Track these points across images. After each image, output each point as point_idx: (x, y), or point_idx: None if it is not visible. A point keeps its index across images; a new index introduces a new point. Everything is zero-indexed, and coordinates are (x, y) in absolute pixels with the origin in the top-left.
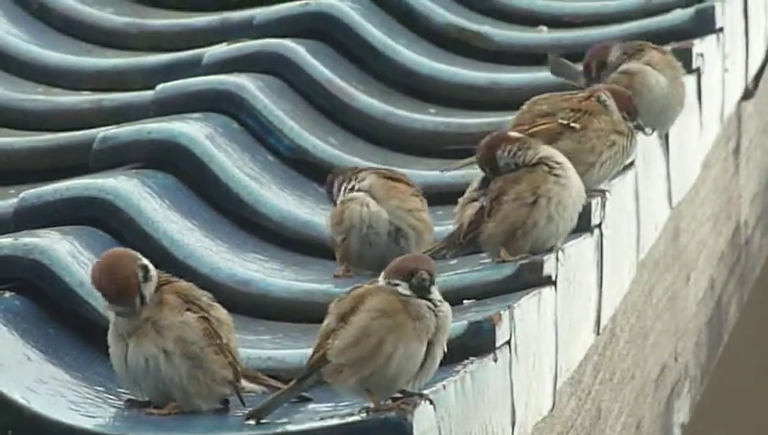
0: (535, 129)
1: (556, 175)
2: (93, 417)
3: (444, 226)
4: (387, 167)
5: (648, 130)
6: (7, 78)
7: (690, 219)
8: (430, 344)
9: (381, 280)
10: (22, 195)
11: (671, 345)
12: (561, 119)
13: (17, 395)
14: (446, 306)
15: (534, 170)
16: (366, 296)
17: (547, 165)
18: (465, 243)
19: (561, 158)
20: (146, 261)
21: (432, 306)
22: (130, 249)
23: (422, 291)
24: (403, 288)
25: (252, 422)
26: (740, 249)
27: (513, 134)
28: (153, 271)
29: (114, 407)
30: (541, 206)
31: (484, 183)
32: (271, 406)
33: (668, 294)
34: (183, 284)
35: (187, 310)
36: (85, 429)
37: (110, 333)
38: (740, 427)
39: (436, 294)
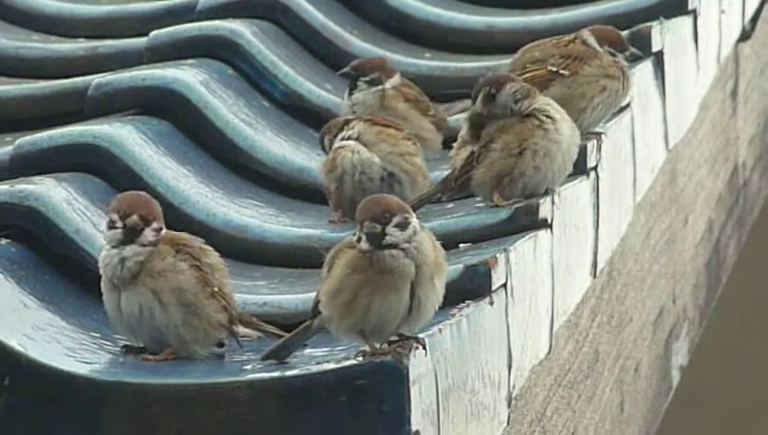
0: (526, 75)
1: (545, 129)
2: (90, 363)
3: (440, 170)
4: (377, 114)
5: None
6: (2, 26)
7: (688, 161)
8: (413, 289)
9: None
10: (17, 142)
11: (669, 288)
12: (551, 65)
13: (14, 342)
14: (421, 238)
15: (524, 121)
16: (339, 252)
17: (537, 118)
18: (458, 187)
19: (554, 111)
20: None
21: (399, 253)
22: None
23: (374, 244)
24: (363, 242)
25: (264, 363)
26: (738, 191)
27: (515, 79)
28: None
29: (110, 353)
30: (526, 157)
31: (475, 127)
32: (284, 348)
33: (666, 237)
34: (174, 233)
35: (180, 260)
36: (82, 374)
37: (102, 281)
38: (738, 368)
39: (397, 235)
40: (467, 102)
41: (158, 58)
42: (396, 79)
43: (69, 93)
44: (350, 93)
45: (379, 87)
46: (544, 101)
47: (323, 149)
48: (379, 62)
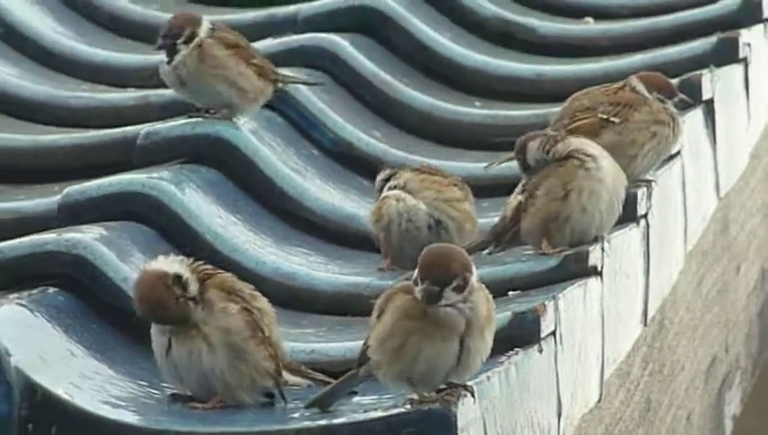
0: (576, 123)
1: (586, 168)
2: (137, 412)
3: (491, 217)
4: (425, 162)
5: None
6: (53, 76)
7: (740, 210)
8: (462, 340)
9: (414, 276)
10: (65, 191)
11: (721, 337)
12: (602, 113)
13: (61, 391)
14: (476, 297)
15: (564, 164)
16: (392, 296)
17: (577, 158)
18: (509, 238)
19: (592, 150)
20: (174, 270)
21: (455, 311)
22: (155, 268)
23: (428, 301)
24: (425, 288)
25: (314, 410)
26: None
27: (542, 132)
28: (187, 274)
29: (158, 402)
30: (572, 199)
31: (526, 179)
32: (331, 396)
33: (718, 286)
34: (225, 275)
35: (230, 301)
36: (129, 423)
37: (153, 327)
38: None
39: (454, 298)
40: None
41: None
42: (206, 25)
43: (118, 142)
44: (170, 61)
45: (195, 41)
46: (580, 142)
47: (376, 193)
48: (183, 16)
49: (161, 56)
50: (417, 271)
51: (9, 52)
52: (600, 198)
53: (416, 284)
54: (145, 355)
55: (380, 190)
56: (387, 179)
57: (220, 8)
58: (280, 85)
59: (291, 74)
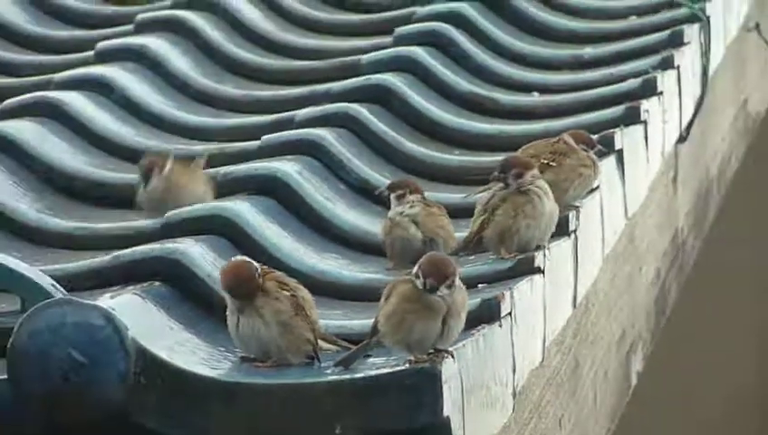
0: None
1: (532, 202)
2: (217, 369)
3: (464, 232)
4: (427, 196)
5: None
6: (158, 134)
7: (642, 227)
8: (446, 317)
9: (413, 272)
10: (166, 214)
11: (629, 316)
12: (543, 159)
13: (163, 354)
14: (457, 293)
15: (518, 195)
16: (397, 285)
17: (528, 195)
18: (474, 244)
19: (542, 190)
20: (256, 264)
21: (440, 299)
22: (245, 257)
23: (430, 292)
24: (420, 284)
25: (339, 368)
26: (678, 248)
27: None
28: (259, 269)
29: (232, 362)
30: (519, 218)
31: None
32: (351, 357)
33: (626, 280)
34: (278, 273)
35: (281, 290)
36: (212, 377)
37: (228, 310)
38: (679, 373)
39: (444, 291)
40: (486, 186)
41: (268, 155)
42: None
43: None
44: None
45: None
46: (539, 184)
47: (388, 197)
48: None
49: (234, 120)
50: (418, 269)
51: (124, 115)
52: (539, 220)
53: (416, 277)
54: (222, 328)
55: (396, 199)
56: (401, 194)
57: (275, 85)
58: None
59: None
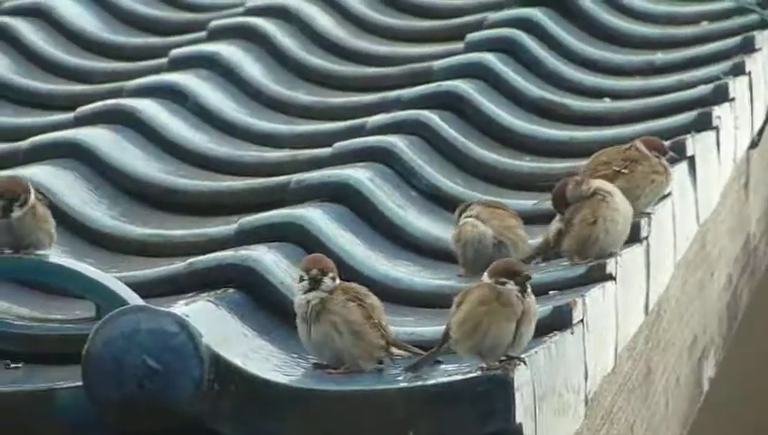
0: (598, 174)
1: (606, 202)
2: (290, 375)
3: (536, 238)
4: (491, 198)
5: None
6: (231, 141)
7: (714, 232)
8: (518, 323)
9: (485, 277)
10: (240, 221)
11: (700, 322)
12: (615, 166)
13: (237, 361)
14: (531, 298)
15: (592, 199)
16: (473, 290)
17: (600, 194)
18: (552, 253)
19: (609, 187)
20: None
21: (520, 296)
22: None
23: (523, 286)
24: (503, 286)
25: (410, 374)
26: (749, 254)
27: (574, 177)
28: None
29: (304, 368)
30: (599, 224)
31: (561, 212)
32: (422, 363)
33: (698, 286)
34: (347, 283)
35: (350, 300)
36: (285, 383)
37: (297, 317)
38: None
39: (529, 291)
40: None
41: (340, 162)
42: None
43: (276, 187)
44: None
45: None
46: (600, 183)
47: (456, 221)
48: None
49: (306, 127)
50: (492, 271)
51: (197, 122)
52: (617, 223)
53: (491, 277)
54: (294, 336)
55: (458, 217)
56: (462, 211)
57: (347, 92)
58: None
59: None
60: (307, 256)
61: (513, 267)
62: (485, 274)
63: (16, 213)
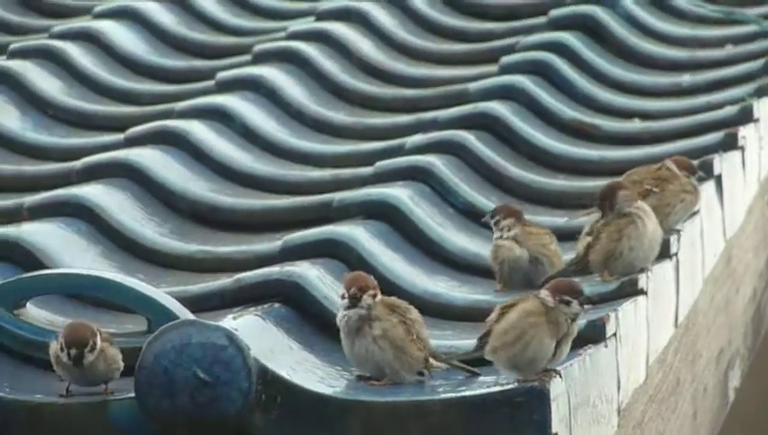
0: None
1: (635, 223)
2: (335, 387)
3: (570, 254)
4: (527, 217)
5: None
6: (274, 160)
7: (738, 249)
8: (559, 342)
9: (543, 293)
10: (284, 238)
11: (727, 334)
12: (647, 185)
13: (283, 372)
14: (575, 323)
15: (622, 219)
16: (522, 301)
17: (631, 217)
18: (581, 268)
19: (643, 211)
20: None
21: (568, 317)
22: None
23: (573, 312)
24: (551, 300)
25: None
26: None
27: (627, 191)
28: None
29: (348, 380)
30: (623, 241)
31: (603, 212)
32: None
33: (724, 300)
34: (388, 298)
35: (391, 315)
36: (329, 395)
37: (341, 333)
38: None
39: (575, 306)
40: (589, 210)
41: (380, 180)
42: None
43: (320, 205)
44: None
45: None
46: (639, 204)
47: (489, 222)
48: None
49: (347, 147)
50: (557, 290)
51: (243, 142)
52: (642, 242)
53: (547, 295)
54: (338, 349)
55: (492, 224)
56: (498, 217)
57: (383, 112)
58: None
59: None
60: (348, 275)
61: (573, 287)
62: (543, 289)
63: (88, 359)
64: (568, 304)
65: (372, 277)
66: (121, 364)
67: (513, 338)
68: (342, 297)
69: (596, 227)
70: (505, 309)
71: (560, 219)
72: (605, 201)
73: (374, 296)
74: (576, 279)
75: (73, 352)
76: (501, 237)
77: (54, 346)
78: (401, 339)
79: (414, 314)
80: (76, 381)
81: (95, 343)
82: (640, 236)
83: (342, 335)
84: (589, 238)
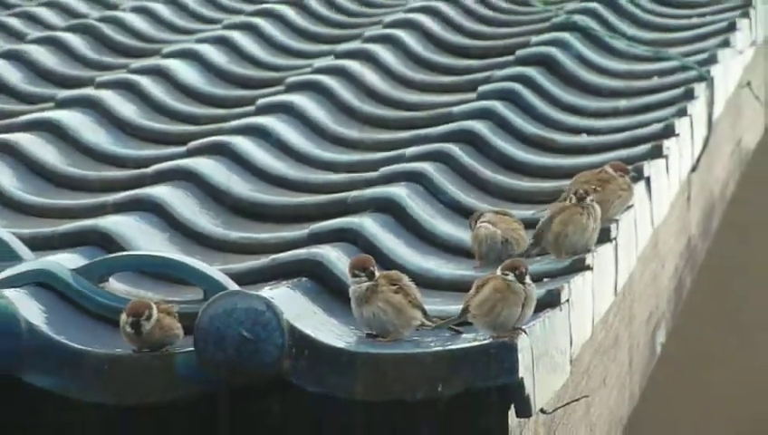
0: (580, 190)
1: (580, 211)
2: (349, 342)
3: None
4: (500, 209)
5: (633, 173)
6: (303, 167)
7: (663, 234)
8: (523, 306)
9: (499, 271)
10: (311, 227)
11: (654, 301)
12: (592, 185)
13: (309, 331)
14: (532, 287)
15: (570, 208)
16: (489, 280)
17: (580, 207)
18: (538, 248)
19: (592, 206)
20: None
21: (523, 287)
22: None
23: (521, 278)
24: (511, 277)
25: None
26: (690, 250)
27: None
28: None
29: (359, 337)
30: (569, 226)
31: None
32: (444, 326)
33: (652, 275)
34: (390, 272)
35: (392, 285)
36: (345, 348)
37: (352, 302)
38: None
39: (527, 279)
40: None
41: (385, 182)
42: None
43: (338, 201)
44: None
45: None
46: (588, 200)
47: (471, 224)
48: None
49: (358, 156)
50: (506, 268)
51: (278, 153)
52: (584, 229)
53: (505, 273)
54: (352, 314)
55: (473, 223)
56: (476, 218)
57: (386, 129)
58: None
59: None
60: (353, 258)
61: (514, 264)
62: (499, 269)
63: (145, 327)
64: (520, 276)
65: (372, 258)
66: (178, 332)
67: (488, 309)
68: (352, 275)
69: (549, 217)
70: (479, 287)
71: (526, 212)
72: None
73: (373, 273)
74: (520, 259)
75: (132, 320)
76: (481, 222)
77: (123, 318)
78: (400, 303)
79: (408, 281)
80: (138, 347)
81: (151, 314)
82: (583, 222)
83: (353, 304)
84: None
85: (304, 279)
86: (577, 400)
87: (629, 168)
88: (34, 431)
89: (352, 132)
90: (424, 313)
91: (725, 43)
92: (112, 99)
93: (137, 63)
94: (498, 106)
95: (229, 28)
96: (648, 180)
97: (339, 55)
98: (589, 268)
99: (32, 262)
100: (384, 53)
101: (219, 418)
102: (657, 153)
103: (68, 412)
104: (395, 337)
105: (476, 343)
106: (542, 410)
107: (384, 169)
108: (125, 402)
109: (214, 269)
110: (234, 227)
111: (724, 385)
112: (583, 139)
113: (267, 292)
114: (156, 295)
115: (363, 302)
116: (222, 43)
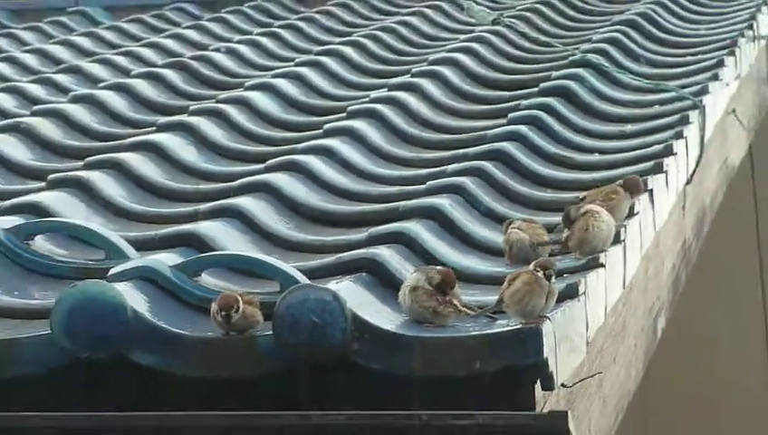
0: (593, 201)
1: (594, 217)
2: (402, 328)
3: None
4: (527, 217)
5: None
6: (362, 181)
7: (664, 236)
8: (547, 297)
9: (531, 266)
10: (369, 231)
11: (656, 293)
12: (605, 196)
13: (368, 318)
14: (555, 283)
15: (586, 216)
16: (520, 275)
17: (590, 213)
18: (564, 249)
19: (597, 208)
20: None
21: (549, 283)
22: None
23: (548, 276)
24: (540, 273)
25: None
26: (686, 250)
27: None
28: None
29: (410, 324)
30: (590, 231)
31: (567, 226)
32: (482, 314)
33: (655, 271)
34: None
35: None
36: (397, 332)
37: (400, 295)
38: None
39: (553, 277)
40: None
41: (431, 194)
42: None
43: (392, 209)
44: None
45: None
46: (590, 206)
47: (503, 231)
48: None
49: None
50: (538, 266)
51: (342, 169)
52: (602, 231)
53: (536, 270)
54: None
55: (505, 228)
56: (508, 225)
57: (432, 150)
58: None
59: None
60: (415, 268)
61: (545, 265)
62: (532, 264)
63: (234, 318)
64: (548, 274)
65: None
66: (259, 319)
67: (519, 299)
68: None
69: (571, 226)
70: (511, 281)
71: (549, 219)
72: (566, 222)
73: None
74: (554, 258)
75: (223, 313)
76: (513, 229)
77: (213, 307)
78: (437, 299)
79: (452, 278)
80: (226, 331)
81: (238, 307)
82: (600, 225)
83: (401, 297)
84: (567, 232)
85: (364, 274)
86: (592, 376)
87: (641, 179)
88: (140, 405)
89: (404, 152)
90: (463, 303)
91: (715, 77)
92: (203, 124)
93: (224, 95)
94: (525, 130)
95: (300, 65)
96: (651, 192)
97: (392, 88)
98: (602, 266)
99: (137, 260)
100: (429, 86)
101: (297, 391)
102: (658, 169)
103: (169, 390)
104: (439, 323)
105: (509, 329)
106: (563, 385)
107: (430, 183)
108: (218, 377)
109: (289, 266)
110: (305, 232)
111: (715, 363)
112: (596, 157)
113: (333, 285)
114: (240, 288)
115: (408, 295)
116: (294, 77)
